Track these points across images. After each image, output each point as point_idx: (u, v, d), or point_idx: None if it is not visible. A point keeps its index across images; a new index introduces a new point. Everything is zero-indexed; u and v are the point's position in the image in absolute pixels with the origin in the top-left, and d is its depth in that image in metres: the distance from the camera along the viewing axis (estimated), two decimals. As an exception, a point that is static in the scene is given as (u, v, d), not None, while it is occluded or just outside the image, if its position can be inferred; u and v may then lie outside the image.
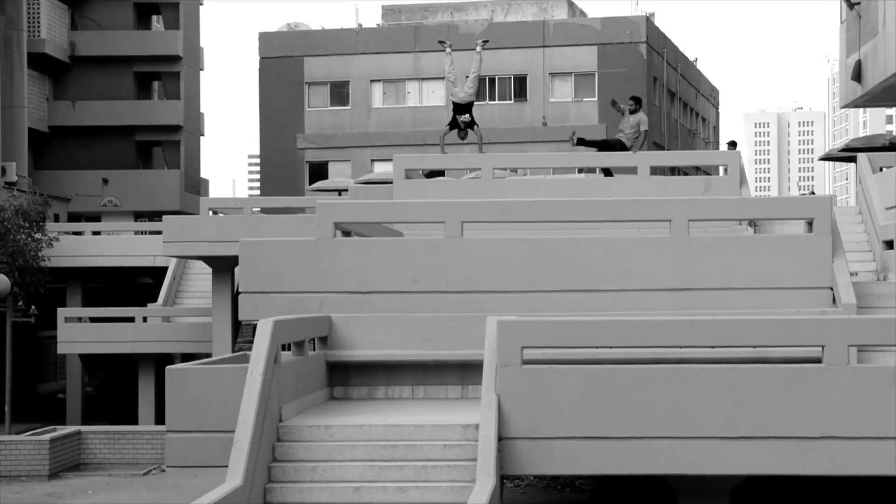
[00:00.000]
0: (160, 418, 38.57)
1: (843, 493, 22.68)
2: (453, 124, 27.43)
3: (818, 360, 13.19)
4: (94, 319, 42.66)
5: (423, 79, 64.47)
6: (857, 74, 29.36)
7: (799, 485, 22.22)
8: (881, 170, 24.90)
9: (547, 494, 25.94)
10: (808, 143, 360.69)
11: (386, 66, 64.53)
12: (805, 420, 12.99)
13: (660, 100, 66.56)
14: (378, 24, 68.48)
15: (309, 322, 15.93)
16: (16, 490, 29.11)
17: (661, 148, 63.63)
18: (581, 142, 27.77)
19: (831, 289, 17.28)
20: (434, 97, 64.25)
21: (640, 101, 27.90)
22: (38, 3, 59.07)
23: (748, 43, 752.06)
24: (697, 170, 44.53)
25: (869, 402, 12.94)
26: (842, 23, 31.23)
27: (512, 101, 63.57)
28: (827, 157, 42.59)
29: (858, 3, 29.01)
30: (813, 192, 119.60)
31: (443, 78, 63.44)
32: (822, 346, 13.07)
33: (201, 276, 44.34)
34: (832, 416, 12.98)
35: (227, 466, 12.12)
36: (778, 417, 13.00)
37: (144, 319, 41.85)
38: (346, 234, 18.80)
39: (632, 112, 27.23)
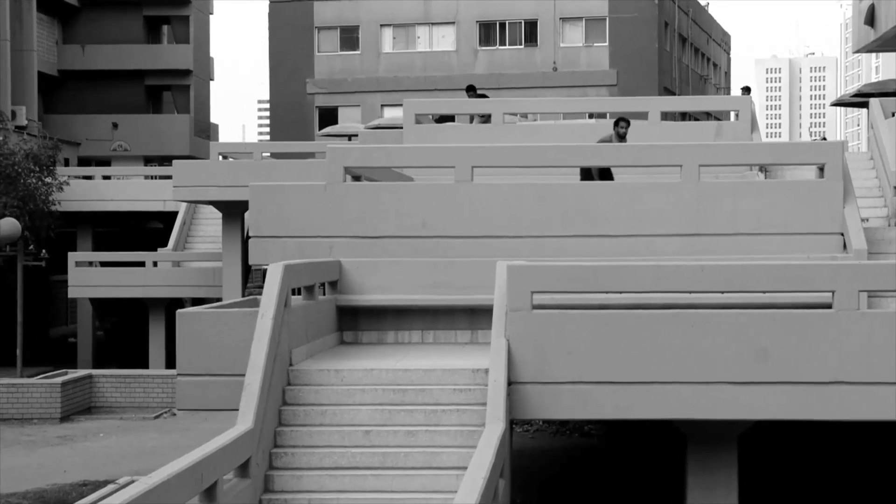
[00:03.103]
0: (171, 362, 38.81)
1: (851, 439, 22.74)
2: None
3: (828, 306, 13.18)
4: (104, 264, 42.74)
5: (433, 23, 64.18)
6: (871, 19, 29.16)
7: (807, 430, 22.29)
8: (893, 115, 24.80)
9: (556, 439, 26.04)
10: (819, 89, 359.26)
11: (395, 11, 64.23)
12: (815, 365, 12.99)
13: (671, 45, 66.21)
14: (387, -32, 68.13)
15: (319, 266, 15.94)
16: (28, 433, 29.28)
17: (672, 93, 63.39)
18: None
19: (842, 234, 17.25)
20: (444, 42, 63.99)
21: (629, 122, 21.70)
22: (47, -53, 58.85)
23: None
24: (708, 115, 44.40)
25: (879, 348, 12.94)
26: (855, -33, 30.99)
27: (522, 47, 63.27)
28: (839, 103, 42.35)
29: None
30: (824, 138, 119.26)
31: (453, 23, 63.35)
32: (833, 292, 13.05)
33: (211, 220, 44.40)
34: (842, 362, 12.97)
35: (237, 410, 12.16)
36: (787, 363, 13.00)
37: (155, 264, 41.93)
38: (356, 178, 18.77)
39: (622, 136, 21.12)
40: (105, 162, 60.83)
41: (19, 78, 54.30)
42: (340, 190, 17.68)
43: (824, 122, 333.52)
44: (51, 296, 51.97)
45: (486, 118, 26.46)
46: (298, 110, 64.38)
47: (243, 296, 35.62)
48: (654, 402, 13.16)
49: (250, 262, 18.28)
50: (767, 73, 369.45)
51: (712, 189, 17.58)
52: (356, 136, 38.70)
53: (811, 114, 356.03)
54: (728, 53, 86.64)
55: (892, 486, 20.65)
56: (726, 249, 17.14)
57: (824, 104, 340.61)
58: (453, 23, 63.39)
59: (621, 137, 21.07)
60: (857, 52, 32.30)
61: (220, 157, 37.96)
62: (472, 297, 16.31)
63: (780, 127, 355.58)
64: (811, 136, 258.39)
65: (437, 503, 12.07)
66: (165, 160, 56.80)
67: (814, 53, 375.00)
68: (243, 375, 12.53)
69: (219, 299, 34.66)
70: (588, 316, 13.31)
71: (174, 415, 31.55)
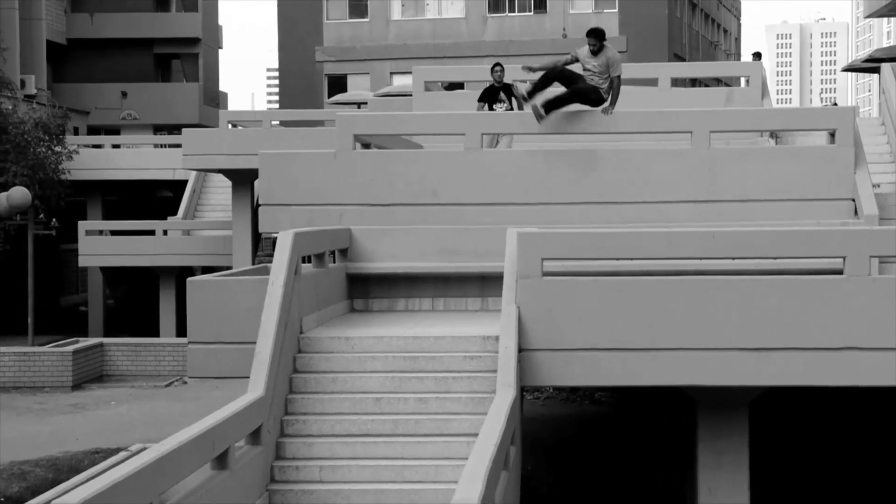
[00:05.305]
0: (181, 331, 38.89)
1: (861, 404, 22.75)
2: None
3: (839, 272, 13.15)
4: (114, 232, 42.81)
5: (442, -10, 63.92)
6: (882, -16, 29.01)
7: (818, 396, 22.29)
8: (904, 80, 24.69)
9: (566, 406, 26.10)
10: (830, 55, 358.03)
11: (405, -22, 64.03)
12: (825, 331, 12.97)
13: (681, 11, 65.93)
14: (396, -66, 67.83)
15: (329, 234, 15.94)
16: (40, 401, 29.39)
17: (682, 59, 63.15)
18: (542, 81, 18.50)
19: (853, 200, 17.19)
20: (453, 9, 63.73)
21: (602, 34, 18.50)
22: (55, -85, 58.68)
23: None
24: (718, 82, 44.23)
25: (890, 314, 12.92)
26: (867, -69, 30.82)
27: (531, 13, 63.02)
28: (850, 69, 42.18)
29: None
30: (835, 104, 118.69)
31: (462, -11, 63.10)
32: (844, 258, 13.03)
33: (221, 189, 44.42)
34: (853, 328, 12.96)
35: (248, 377, 12.18)
36: (798, 329, 12.99)
37: (165, 232, 42.00)
38: (366, 146, 18.74)
39: (594, 52, 18.35)
40: (114, 131, 60.84)
41: (28, 47, 54.23)
42: (350, 158, 17.66)
43: (835, 88, 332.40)
44: (61, 265, 52.06)
45: None
46: (307, 78, 64.19)
47: (253, 264, 35.66)
48: (664, 369, 13.16)
49: (260, 231, 18.28)
50: (778, 38, 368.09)
51: (723, 155, 17.53)
52: (365, 103, 38.67)
53: (822, 80, 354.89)
54: (738, 19, 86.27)
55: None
56: (737, 216, 17.10)
57: (835, 70, 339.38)
58: (462, -11, 63.11)
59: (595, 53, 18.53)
60: (869, 16, 32.15)
61: (230, 126, 37.97)
62: (482, 265, 16.29)
63: (790, 93, 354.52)
64: (822, 101, 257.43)
65: (449, 470, 12.09)
66: (175, 129, 56.79)
67: (825, 19, 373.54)
68: (254, 343, 12.54)
69: (229, 267, 34.70)
70: (598, 283, 13.30)
71: (185, 383, 31.64)
